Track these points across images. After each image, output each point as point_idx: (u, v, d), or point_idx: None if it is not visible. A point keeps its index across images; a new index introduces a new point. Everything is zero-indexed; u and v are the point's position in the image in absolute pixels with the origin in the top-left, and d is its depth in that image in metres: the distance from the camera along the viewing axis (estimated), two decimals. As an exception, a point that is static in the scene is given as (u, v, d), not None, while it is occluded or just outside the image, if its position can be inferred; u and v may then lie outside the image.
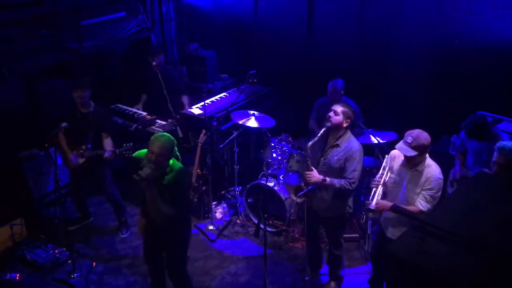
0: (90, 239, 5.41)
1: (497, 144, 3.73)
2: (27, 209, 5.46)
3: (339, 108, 3.91)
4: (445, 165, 4.70)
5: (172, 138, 3.62)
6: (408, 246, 2.15)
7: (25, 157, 5.49)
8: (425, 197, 3.61)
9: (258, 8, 6.77)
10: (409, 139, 3.57)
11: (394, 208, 3.71)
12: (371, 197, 3.70)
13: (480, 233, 2.17)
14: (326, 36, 6.30)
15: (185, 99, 6.26)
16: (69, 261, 4.87)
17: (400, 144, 3.64)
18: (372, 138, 5.03)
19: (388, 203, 3.70)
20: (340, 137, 3.96)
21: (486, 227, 2.23)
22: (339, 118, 3.90)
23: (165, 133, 3.68)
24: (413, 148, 3.55)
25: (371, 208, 3.63)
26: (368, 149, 5.17)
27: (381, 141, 4.95)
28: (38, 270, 4.81)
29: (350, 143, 3.95)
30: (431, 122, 4.33)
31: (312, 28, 6.42)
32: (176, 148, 3.67)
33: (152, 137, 3.59)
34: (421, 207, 3.61)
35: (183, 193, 3.64)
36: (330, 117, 3.93)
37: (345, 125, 3.93)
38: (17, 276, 4.53)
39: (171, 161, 3.65)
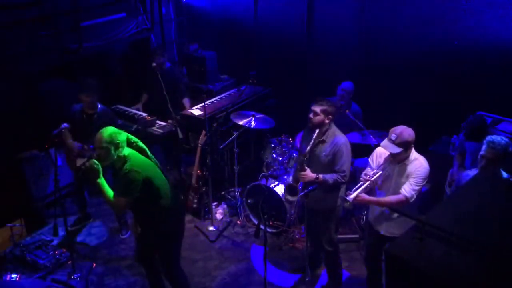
0: (90, 240, 5.40)
1: (487, 138, 3.73)
2: (27, 210, 5.46)
3: (317, 108, 3.98)
4: (445, 166, 4.72)
5: (112, 130, 3.66)
6: (407, 247, 2.14)
7: (25, 158, 5.50)
8: (410, 184, 3.66)
9: (258, 8, 6.77)
10: (393, 136, 3.61)
11: (392, 208, 3.73)
12: (354, 189, 3.72)
13: (480, 234, 2.16)
14: (326, 36, 6.31)
15: (186, 102, 6.22)
16: (69, 262, 4.87)
17: (385, 142, 3.68)
18: (372, 138, 5.03)
19: (366, 198, 3.74)
20: (325, 132, 4.03)
21: (486, 228, 2.23)
22: (320, 117, 3.98)
23: (108, 127, 3.72)
24: (397, 145, 3.59)
25: (348, 199, 3.65)
26: (368, 149, 5.18)
27: (380, 141, 4.95)
28: (38, 271, 4.80)
29: (336, 137, 4.02)
30: (431, 123, 4.34)
31: (312, 29, 6.42)
32: (134, 140, 3.78)
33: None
34: (405, 193, 3.64)
35: (126, 185, 3.64)
36: (310, 118, 4.01)
37: (327, 121, 4.01)
38: (17, 277, 4.53)
39: (125, 152, 3.69)
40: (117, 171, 3.69)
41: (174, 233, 4.01)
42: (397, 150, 3.58)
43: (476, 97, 5.12)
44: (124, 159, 3.68)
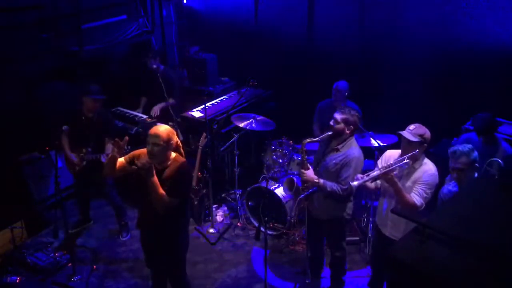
0: (91, 242, 5.41)
1: (449, 150, 3.76)
2: (28, 212, 5.46)
3: (339, 116, 3.93)
4: (445, 168, 4.71)
5: (169, 128, 3.65)
6: (409, 249, 2.15)
7: (26, 160, 5.50)
8: (419, 192, 3.66)
9: (259, 11, 6.79)
10: (412, 127, 3.70)
11: (395, 211, 3.72)
12: (362, 175, 3.73)
13: (481, 236, 2.17)
14: (327, 39, 6.32)
15: (170, 101, 5.99)
16: (70, 264, 4.87)
17: (403, 131, 3.71)
18: (373, 140, 5.04)
19: (394, 179, 3.65)
20: (342, 142, 3.99)
21: (487, 230, 2.23)
22: (340, 126, 3.93)
23: (163, 125, 3.72)
24: (414, 134, 3.64)
25: (352, 185, 3.65)
26: (369, 152, 5.18)
27: (381, 144, 4.96)
28: (39, 273, 4.80)
29: (351, 149, 3.96)
30: (431, 125, 4.33)
31: (312, 31, 6.43)
32: (179, 142, 3.72)
33: (150, 130, 3.67)
34: (415, 201, 3.64)
35: (181, 185, 3.62)
36: (331, 125, 3.98)
37: (348, 131, 3.95)
38: (17, 279, 4.53)
39: (173, 155, 3.70)
40: (163, 171, 3.64)
41: (186, 238, 4.02)
42: (414, 138, 3.61)
43: (477, 100, 5.13)
44: (172, 161, 3.67)
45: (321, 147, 4.15)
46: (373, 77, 5.94)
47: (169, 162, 3.67)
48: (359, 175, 3.77)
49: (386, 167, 3.64)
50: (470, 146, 3.70)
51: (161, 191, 3.54)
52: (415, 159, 3.72)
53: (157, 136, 3.54)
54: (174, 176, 3.61)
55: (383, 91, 5.86)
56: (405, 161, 3.65)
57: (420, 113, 5.45)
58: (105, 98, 5.01)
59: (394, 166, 3.63)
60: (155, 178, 3.52)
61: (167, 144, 3.57)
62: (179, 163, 3.68)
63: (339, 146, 3.98)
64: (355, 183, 3.65)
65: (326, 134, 3.97)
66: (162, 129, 3.61)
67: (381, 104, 5.79)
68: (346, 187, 3.88)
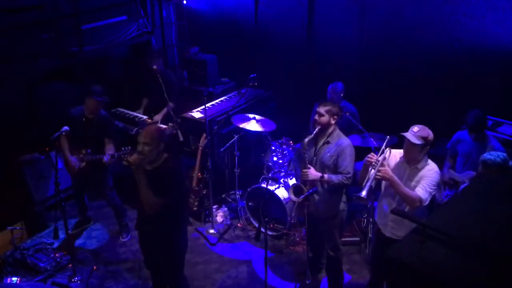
0: (91, 243, 5.41)
1: (481, 157, 3.81)
2: (28, 212, 5.46)
3: (322, 109, 4.03)
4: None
5: (160, 128, 3.66)
6: (408, 250, 2.14)
7: (26, 161, 5.50)
8: (423, 187, 3.66)
9: (258, 12, 6.79)
10: (415, 129, 3.68)
11: (394, 211, 3.71)
12: (364, 182, 3.72)
13: (481, 237, 2.16)
14: (326, 39, 6.32)
15: (168, 106, 5.93)
16: (70, 265, 4.87)
17: (407, 133, 3.70)
18: (373, 141, 5.04)
19: (390, 173, 3.68)
20: (329, 134, 4.07)
21: (487, 231, 2.23)
22: (325, 118, 4.02)
23: (155, 125, 3.71)
24: (418, 137, 3.63)
25: (361, 196, 3.64)
26: (369, 152, 5.17)
27: (381, 144, 4.96)
28: (39, 274, 4.80)
29: (340, 139, 4.07)
30: (431, 125, 4.35)
31: (312, 32, 6.43)
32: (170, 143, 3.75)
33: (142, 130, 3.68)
34: (420, 194, 3.64)
35: (167, 187, 3.61)
36: (316, 120, 4.06)
37: (332, 122, 4.06)
38: (17, 280, 4.52)
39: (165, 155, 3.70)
40: (152, 171, 3.64)
41: (184, 241, 4.01)
42: (418, 141, 3.62)
43: (477, 100, 5.12)
44: (163, 161, 3.67)
45: (309, 144, 4.16)
46: (373, 77, 5.94)
47: (160, 163, 3.67)
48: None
49: (375, 164, 3.68)
50: (503, 155, 3.70)
51: (147, 190, 3.55)
52: (417, 161, 3.72)
53: (147, 135, 3.57)
54: (161, 177, 3.62)
55: (382, 91, 5.86)
56: (385, 149, 3.80)
57: (420, 113, 5.46)
58: (107, 101, 5.01)
59: (380, 159, 3.70)
60: (143, 178, 3.54)
61: (157, 144, 3.58)
62: (169, 164, 3.68)
63: (329, 139, 4.07)
64: (364, 192, 3.67)
65: (318, 128, 4.04)
66: (153, 129, 3.65)
67: (380, 104, 5.79)
68: (350, 175, 3.98)
